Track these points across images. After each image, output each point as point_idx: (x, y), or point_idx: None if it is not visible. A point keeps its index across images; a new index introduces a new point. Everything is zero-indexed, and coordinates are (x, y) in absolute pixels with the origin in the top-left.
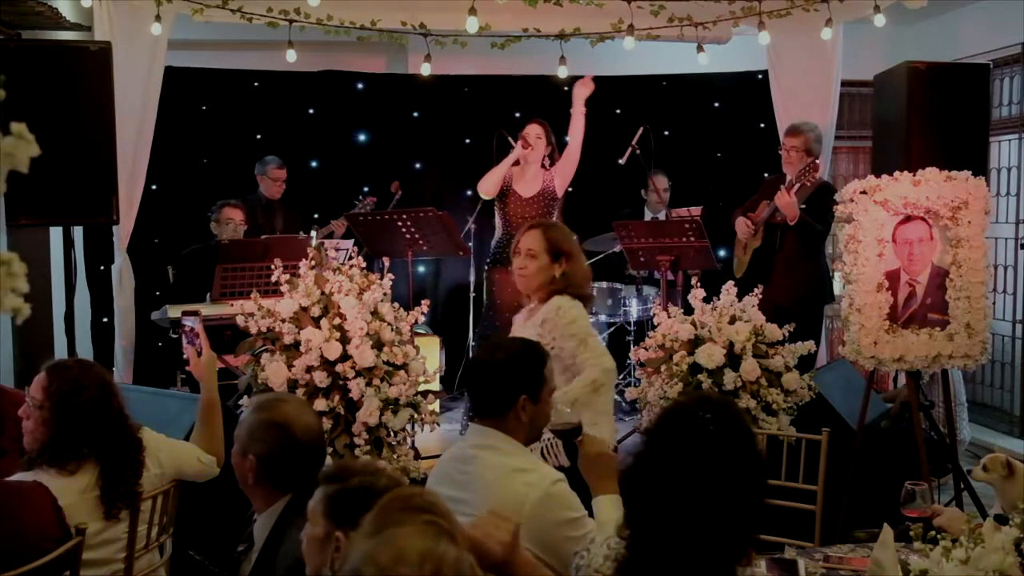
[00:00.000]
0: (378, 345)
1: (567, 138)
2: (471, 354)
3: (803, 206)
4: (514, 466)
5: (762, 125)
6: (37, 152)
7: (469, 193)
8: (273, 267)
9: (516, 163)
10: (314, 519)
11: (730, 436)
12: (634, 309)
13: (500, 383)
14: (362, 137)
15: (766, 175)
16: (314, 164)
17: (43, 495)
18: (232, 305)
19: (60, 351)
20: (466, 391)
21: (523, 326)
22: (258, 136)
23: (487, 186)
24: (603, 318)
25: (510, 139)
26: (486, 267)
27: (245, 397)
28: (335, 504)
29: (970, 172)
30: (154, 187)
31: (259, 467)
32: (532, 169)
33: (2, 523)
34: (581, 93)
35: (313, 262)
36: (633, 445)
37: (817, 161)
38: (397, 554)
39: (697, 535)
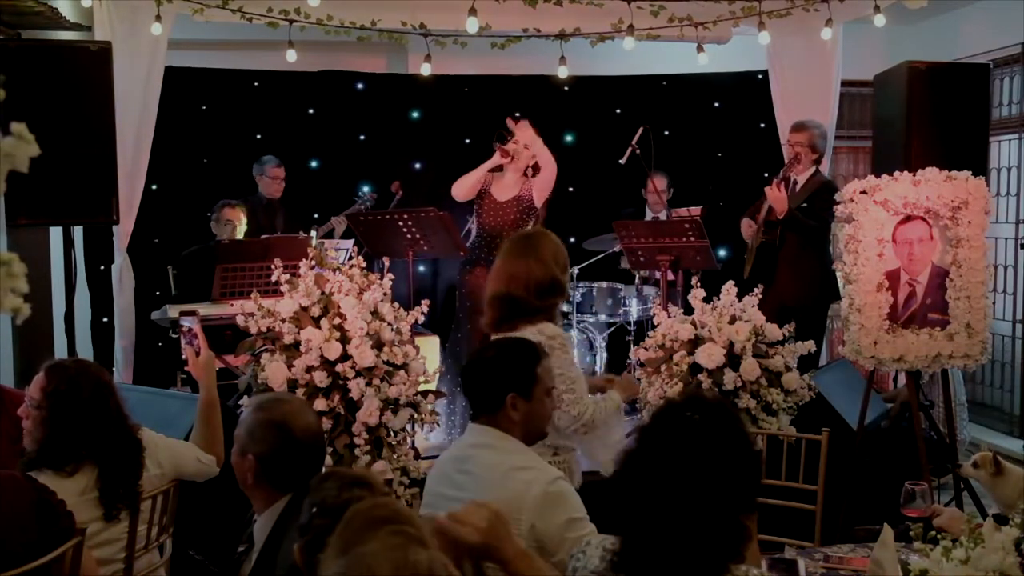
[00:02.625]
0: (378, 345)
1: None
2: (444, 359)
3: (804, 204)
4: (512, 464)
5: (762, 125)
6: (37, 152)
7: None
8: (273, 267)
9: (497, 168)
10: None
11: (719, 435)
12: (634, 309)
13: (488, 381)
14: (362, 137)
15: (766, 175)
16: (314, 164)
17: (22, 487)
18: (232, 305)
19: (60, 351)
20: (461, 391)
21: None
22: (258, 136)
23: (462, 191)
24: (603, 318)
25: (508, 138)
26: (460, 269)
27: (245, 397)
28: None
29: (970, 172)
30: (154, 187)
31: (259, 467)
32: (512, 175)
33: None
34: (527, 135)
35: (313, 262)
36: (628, 442)
37: (812, 156)
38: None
39: (687, 533)
